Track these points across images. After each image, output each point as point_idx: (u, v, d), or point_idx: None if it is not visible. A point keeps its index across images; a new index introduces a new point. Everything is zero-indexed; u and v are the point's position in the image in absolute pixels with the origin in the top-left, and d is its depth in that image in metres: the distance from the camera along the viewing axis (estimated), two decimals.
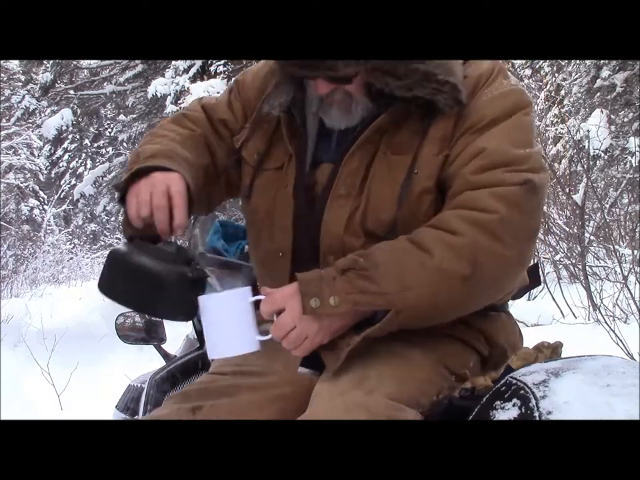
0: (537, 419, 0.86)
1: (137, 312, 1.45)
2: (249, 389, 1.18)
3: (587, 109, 9.42)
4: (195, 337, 2.05)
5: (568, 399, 0.86)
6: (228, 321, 1.07)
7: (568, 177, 6.40)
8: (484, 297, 1.09)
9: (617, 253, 4.80)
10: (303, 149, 1.18)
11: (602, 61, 8.79)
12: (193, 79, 7.50)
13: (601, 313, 4.10)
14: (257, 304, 1.07)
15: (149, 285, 1.07)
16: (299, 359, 1.12)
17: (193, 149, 1.22)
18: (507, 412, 0.91)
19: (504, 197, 1.03)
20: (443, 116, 1.11)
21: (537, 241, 6.57)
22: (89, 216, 18.77)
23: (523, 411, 0.89)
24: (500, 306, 1.24)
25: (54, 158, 17.62)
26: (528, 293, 6.02)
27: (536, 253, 6.06)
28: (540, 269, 1.44)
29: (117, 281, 1.10)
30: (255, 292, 1.09)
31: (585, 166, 5.88)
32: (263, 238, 1.22)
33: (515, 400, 0.92)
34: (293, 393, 1.16)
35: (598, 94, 9.25)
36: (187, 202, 1.11)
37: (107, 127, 13.52)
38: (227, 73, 7.53)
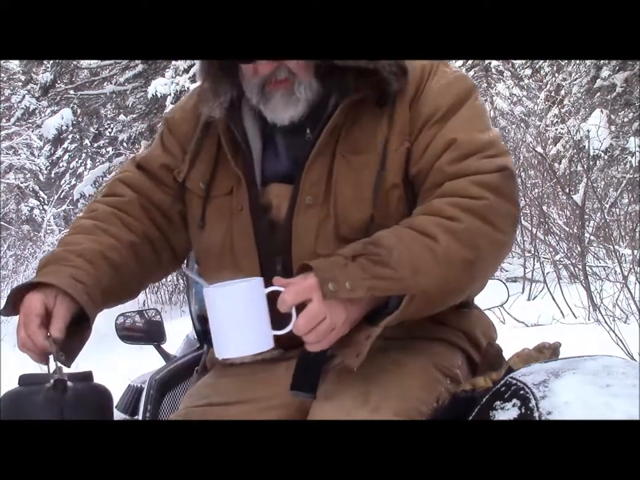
0: (537, 419, 0.86)
1: None
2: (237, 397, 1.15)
3: (587, 109, 9.42)
4: (195, 337, 2.05)
5: (568, 399, 0.86)
6: (241, 315, 0.96)
7: (568, 177, 6.41)
8: (482, 281, 1.09)
9: (617, 253, 4.80)
10: (250, 166, 1.14)
11: (602, 61, 8.79)
12: (193, 79, 7.51)
13: (601, 313, 4.10)
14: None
15: None
16: (289, 382, 1.08)
17: (117, 226, 1.19)
18: (507, 412, 0.91)
19: (486, 184, 1.03)
20: (398, 109, 1.10)
21: (537, 241, 6.58)
22: None
23: (523, 411, 0.89)
24: (472, 302, 1.25)
25: (54, 158, 17.59)
26: (528, 293, 6.03)
27: (536, 253, 6.08)
28: None
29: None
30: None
31: (585, 166, 5.89)
32: (225, 267, 1.15)
33: (514, 400, 0.92)
34: (285, 416, 1.12)
35: (598, 94, 9.26)
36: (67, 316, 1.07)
37: (107, 127, 13.52)
38: None
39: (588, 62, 9.30)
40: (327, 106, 1.11)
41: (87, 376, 1.14)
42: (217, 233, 1.17)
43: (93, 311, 1.11)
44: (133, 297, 1.28)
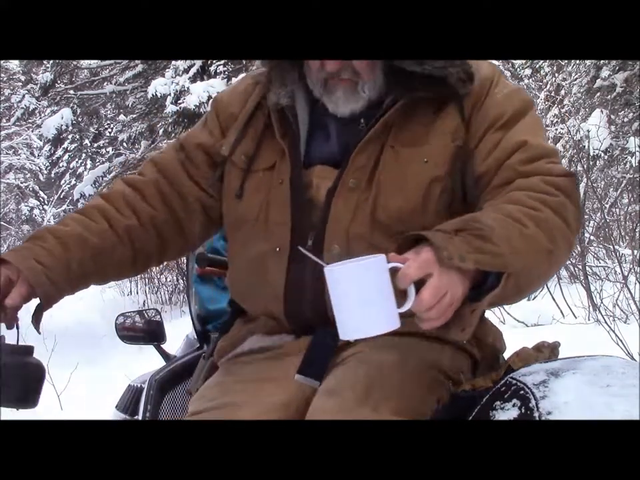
0: (537, 419, 0.86)
1: None
2: (244, 398, 1.14)
3: (587, 109, 9.41)
4: (195, 337, 2.05)
5: (568, 399, 0.86)
6: (370, 294, 0.91)
7: None
8: (553, 274, 1.12)
9: (617, 253, 4.80)
10: (296, 145, 1.18)
11: (602, 61, 8.78)
12: (193, 79, 7.51)
13: (601, 313, 4.09)
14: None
15: None
16: (297, 366, 1.11)
17: (121, 208, 1.24)
18: (507, 412, 0.91)
19: (557, 185, 1.06)
20: (451, 108, 1.14)
21: None
22: None
23: (523, 411, 0.89)
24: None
25: (54, 158, 17.59)
26: None
27: None
28: None
29: None
30: None
31: (585, 166, 5.88)
32: (255, 237, 1.20)
33: (514, 400, 0.92)
34: (290, 401, 1.11)
35: (598, 94, 9.25)
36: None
37: (106, 127, 13.52)
38: (226, 72, 7.54)
39: (588, 62, 9.29)
40: (385, 100, 1.15)
41: (28, 350, 1.19)
42: (254, 203, 1.21)
43: (51, 291, 1.15)
44: (123, 277, 1.36)
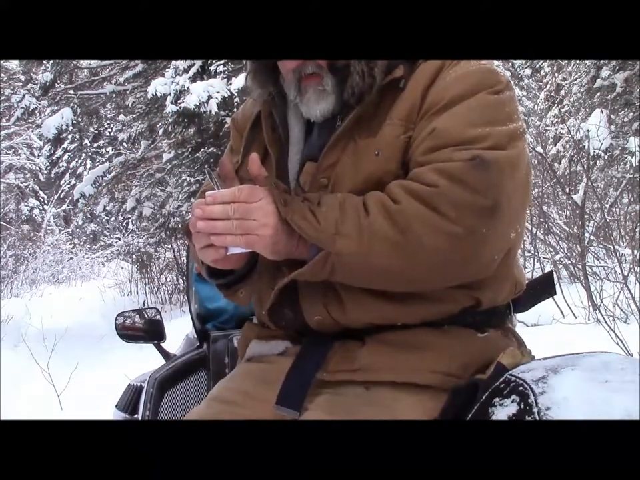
0: (536, 414, 0.86)
1: None
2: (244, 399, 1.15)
3: (587, 109, 9.42)
4: (195, 336, 2.05)
5: (567, 395, 0.86)
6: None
7: (568, 177, 6.40)
8: (427, 268, 1.01)
9: (617, 253, 4.80)
10: (282, 149, 1.19)
11: (602, 61, 8.78)
12: (193, 79, 7.51)
13: (601, 313, 4.10)
14: None
15: None
16: (275, 396, 1.09)
17: None
18: (506, 408, 0.91)
19: (445, 171, 0.98)
20: (406, 96, 1.09)
21: (537, 241, 6.54)
22: (89, 216, 18.74)
23: (522, 407, 0.89)
24: (485, 321, 1.15)
25: (54, 158, 17.59)
26: None
27: (536, 253, 6.08)
28: (555, 277, 1.37)
29: None
30: None
31: (585, 166, 5.88)
32: None
33: (513, 396, 0.92)
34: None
35: (598, 94, 9.25)
36: None
37: (106, 126, 13.52)
38: (226, 72, 7.53)
39: (588, 62, 9.30)
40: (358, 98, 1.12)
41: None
42: None
43: None
44: None
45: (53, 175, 18.45)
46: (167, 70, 7.91)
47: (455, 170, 0.98)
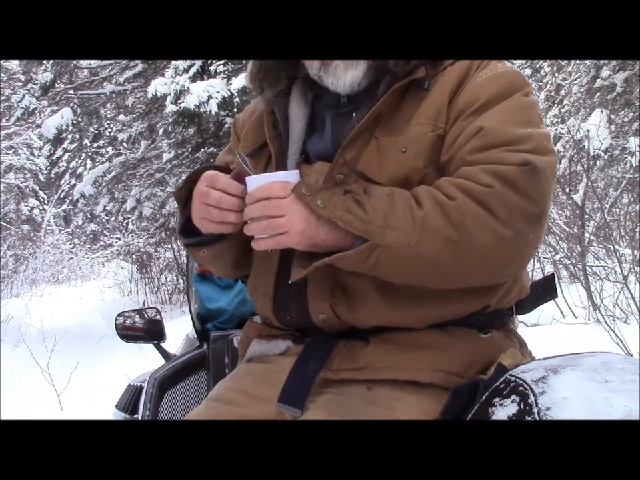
0: (536, 415, 0.86)
1: None
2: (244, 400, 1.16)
3: (587, 109, 9.41)
4: (195, 335, 2.05)
5: (566, 395, 0.86)
6: None
7: (568, 177, 6.40)
8: (472, 267, 1.03)
9: (617, 253, 4.80)
10: (284, 149, 1.19)
11: (602, 61, 8.78)
12: (193, 79, 7.51)
13: (601, 313, 4.10)
14: None
15: None
16: (277, 393, 1.09)
17: None
18: (506, 408, 0.91)
19: (499, 174, 0.99)
20: (432, 97, 1.10)
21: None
22: (89, 216, 18.76)
23: (522, 407, 0.89)
24: (490, 322, 1.16)
25: (54, 158, 17.60)
26: None
27: (536, 253, 6.07)
28: (556, 280, 1.37)
29: None
30: None
31: (585, 166, 5.88)
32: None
33: (513, 396, 0.92)
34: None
35: (598, 94, 9.24)
36: None
37: (106, 126, 13.52)
38: (226, 72, 7.54)
39: (588, 62, 9.29)
40: (375, 94, 1.11)
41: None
42: None
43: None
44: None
45: (53, 175, 18.46)
46: (166, 70, 7.91)
47: (509, 173, 0.99)
